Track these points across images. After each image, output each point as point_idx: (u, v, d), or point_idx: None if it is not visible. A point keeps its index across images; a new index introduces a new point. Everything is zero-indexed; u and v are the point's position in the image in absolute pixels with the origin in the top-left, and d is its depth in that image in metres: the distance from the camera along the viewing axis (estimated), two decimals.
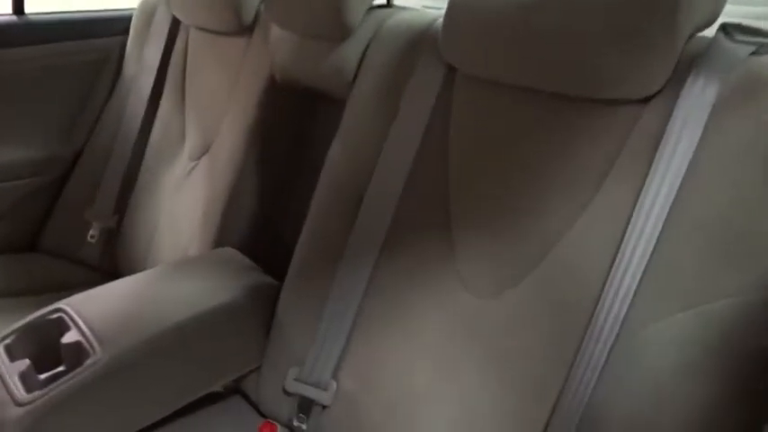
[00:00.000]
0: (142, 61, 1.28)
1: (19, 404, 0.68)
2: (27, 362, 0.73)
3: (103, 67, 1.35)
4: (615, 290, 0.59)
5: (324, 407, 0.80)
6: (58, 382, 0.69)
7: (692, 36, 0.61)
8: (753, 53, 0.59)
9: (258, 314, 0.86)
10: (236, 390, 0.91)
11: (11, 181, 1.28)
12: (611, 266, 0.60)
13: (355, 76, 0.84)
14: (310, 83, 0.93)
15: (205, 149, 1.15)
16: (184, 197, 1.15)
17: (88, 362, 0.71)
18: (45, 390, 0.68)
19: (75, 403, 0.69)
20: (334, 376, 0.80)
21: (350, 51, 0.86)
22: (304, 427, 0.81)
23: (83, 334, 0.75)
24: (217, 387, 0.85)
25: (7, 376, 0.71)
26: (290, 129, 0.97)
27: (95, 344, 0.73)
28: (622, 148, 0.62)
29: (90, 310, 0.79)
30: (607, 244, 0.61)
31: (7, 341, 0.77)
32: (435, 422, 0.71)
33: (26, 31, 1.26)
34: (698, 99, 0.56)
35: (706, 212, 0.57)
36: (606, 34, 0.60)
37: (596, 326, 0.60)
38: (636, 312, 0.58)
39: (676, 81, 0.59)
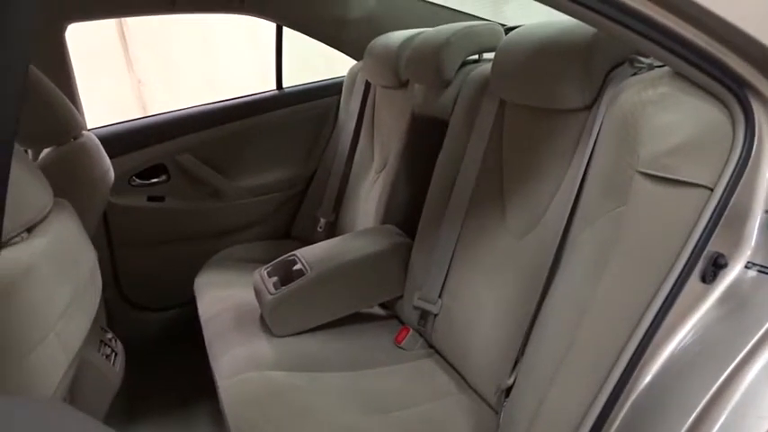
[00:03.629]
0: (348, 111, 1.94)
1: (271, 294, 1.32)
2: (276, 278, 1.38)
3: (327, 116, 2.06)
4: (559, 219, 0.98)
5: (435, 315, 1.29)
6: (288, 286, 1.31)
7: (615, 67, 0.97)
8: (634, 74, 0.92)
9: (400, 260, 1.40)
10: (393, 314, 1.46)
11: (275, 192, 2.04)
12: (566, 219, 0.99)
13: (452, 111, 1.34)
14: (431, 115, 1.45)
15: (383, 166, 1.74)
16: (371, 198, 1.75)
17: (303, 277, 1.32)
18: (281, 289, 1.31)
19: (295, 298, 1.31)
20: (440, 295, 1.28)
21: (450, 94, 1.36)
22: (424, 328, 1.31)
23: (303, 265, 1.37)
24: (376, 303, 1.41)
25: (268, 284, 1.36)
26: (426, 146, 1.49)
27: (308, 268, 1.34)
28: (575, 142, 1.01)
29: (308, 254, 1.41)
30: (564, 200, 1.00)
31: (269, 268, 1.43)
32: (485, 318, 1.15)
33: (282, 99, 2.02)
34: (606, 106, 0.93)
35: (599, 171, 0.92)
36: (549, 70, 1.00)
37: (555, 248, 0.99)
38: (571, 234, 0.95)
39: (600, 97, 0.96)
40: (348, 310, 1.37)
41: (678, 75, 0.79)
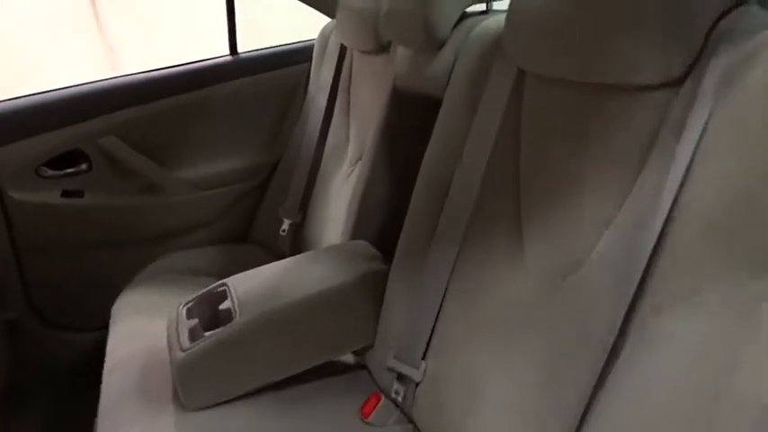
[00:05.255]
0: (320, 83, 1.51)
1: (182, 350, 0.91)
2: (195, 321, 0.97)
3: (296, 90, 1.63)
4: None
5: (417, 383, 0.88)
6: (205, 336, 0.91)
7: (719, 20, 0.55)
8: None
9: (372, 297, 0.99)
10: (361, 364, 1.05)
11: (228, 185, 1.62)
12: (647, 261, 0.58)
13: (447, 85, 0.91)
14: (419, 89, 1.02)
15: (359, 156, 1.31)
16: (343, 197, 1.34)
17: (228, 324, 0.92)
18: (197, 341, 0.91)
19: (216, 354, 0.91)
20: (424, 356, 0.88)
21: (443, 59, 0.93)
22: (400, 399, 0.91)
23: (233, 303, 0.96)
24: (335, 358, 1.00)
25: (182, 330, 0.96)
26: (411, 133, 1.07)
27: (237, 311, 0.93)
28: (655, 133, 0.59)
29: (242, 285, 1.00)
30: (635, 232, 0.58)
31: (189, 305, 1.03)
32: (493, 396, 0.74)
33: (238, 67, 1.58)
34: (717, 84, 0.51)
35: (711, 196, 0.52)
36: (623, 24, 0.58)
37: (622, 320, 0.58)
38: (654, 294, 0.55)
39: (700, 67, 0.54)
40: (293, 370, 0.97)
41: None
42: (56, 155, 1.45)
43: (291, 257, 1.09)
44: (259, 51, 1.63)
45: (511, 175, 0.78)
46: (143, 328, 1.15)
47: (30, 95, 1.45)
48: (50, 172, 1.46)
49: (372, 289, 0.99)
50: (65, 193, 1.48)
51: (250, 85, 1.60)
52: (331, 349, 0.99)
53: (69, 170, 1.47)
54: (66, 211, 1.49)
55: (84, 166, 1.49)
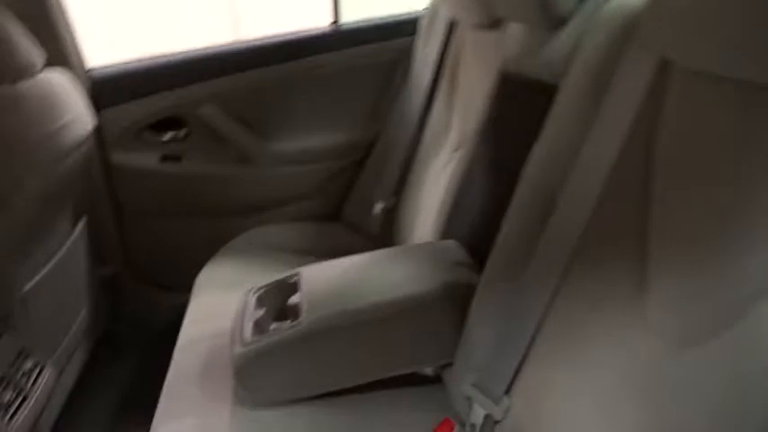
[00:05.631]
0: (425, 60, 1.38)
1: (243, 344, 0.85)
2: (263, 311, 0.91)
3: (399, 65, 1.51)
4: None
5: (496, 421, 0.76)
6: (269, 332, 0.84)
7: None
8: None
9: (455, 311, 0.87)
10: (440, 375, 0.94)
11: (322, 162, 1.55)
12: None
13: (567, 71, 0.75)
14: (532, 75, 0.86)
15: (461, 143, 1.18)
16: (439, 187, 1.21)
17: (293, 323, 0.84)
18: (259, 337, 0.84)
19: (276, 354, 0.84)
20: (508, 392, 0.75)
21: (562, 41, 0.77)
22: None
23: (302, 298, 0.89)
24: (407, 371, 0.89)
25: (246, 320, 0.90)
26: (521, 124, 0.92)
27: (305, 309, 0.86)
28: None
29: (314, 279, 0.93)
30: None
31: (260, 293, 0.97)
32: None
33: (339, 39, 1.49)
34: None
35: None
36: None
37: None
38: None
39: None
40: (359, 380, 0.87)
41: None
42: (157, 120, 1.45)
43: (371, 253, 1.00)
44: (362, 22, 1.53)
45: (639, 191, 0.63)
46: (218, 307, 1.12)
47: (135, 61, 1.46)
48: (151, 136, 1.47)
49: (456, 302, 0.87)
50: (163, 158, 1.49)
51: (350, 58, 1.51)
52: (402, 363, 0.88)
53: (168, 135, 1.47)
54: (163, 176, 1.49)
55: (182, 133, 1.48)
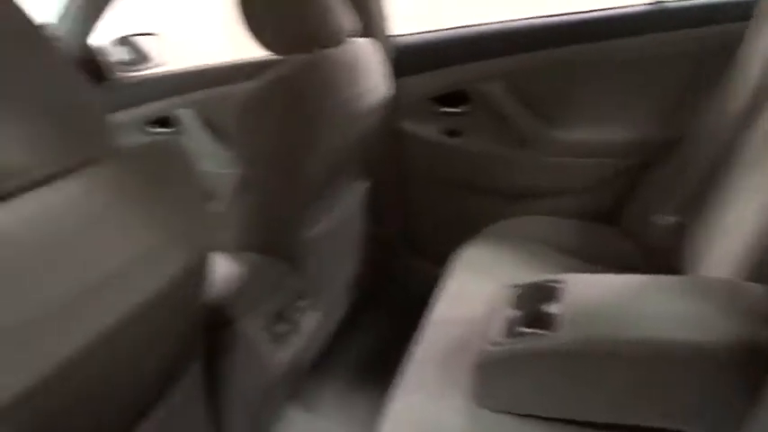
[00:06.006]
0: (757, 52, 1.12)
1: (492, 343, 0.81)
2: (517, 313, 0.86)
3: (720, 55, 1.26)
4: None
5: None
6: (519, 338, 0.79)
7: None
8: None
9: (750, 374, 0.70)
10: None
11: (605, 157, 1.41)
12: None
13: None
14: None
15: None
16: (748, 214, 0.99)
17: (549, 334, 0.77)
18: (510, 340, 0.79)
19: (523, 362, 0.78)
20: None
21: None
22: None
23: (562, 310, 0.81)
24: (667, 426, 0.75)
25: (500, 317, 0.86)
26: None
27: (564, 323, 0.78)
28: None
29: (580, 291, 0.84)
30: None
31: (521, 291, 0.91)
32: None
33: (657, 19, 1.31)
34: None
35: None
36: None
37: None
38: None
39: None
40: (608, 417, 0.77)
41: None
42: (446, 92, 1.48)
43: (655, 277, 0.86)
44: (687, 2, 1.31)
45: None
46: (472, 292, 1.10)
47: (431, 32, 1.49)
48: (436, 108, 1.50)
49: (750, 364, 0.69)
50: (446, 132, 1.52)
51: (665, 44, 1.31)
52: (670, 418, 0.75)
53: (452, 110, 1.49)
54: (443, 149, 1.53)
55: (466, 108, 1.48)
